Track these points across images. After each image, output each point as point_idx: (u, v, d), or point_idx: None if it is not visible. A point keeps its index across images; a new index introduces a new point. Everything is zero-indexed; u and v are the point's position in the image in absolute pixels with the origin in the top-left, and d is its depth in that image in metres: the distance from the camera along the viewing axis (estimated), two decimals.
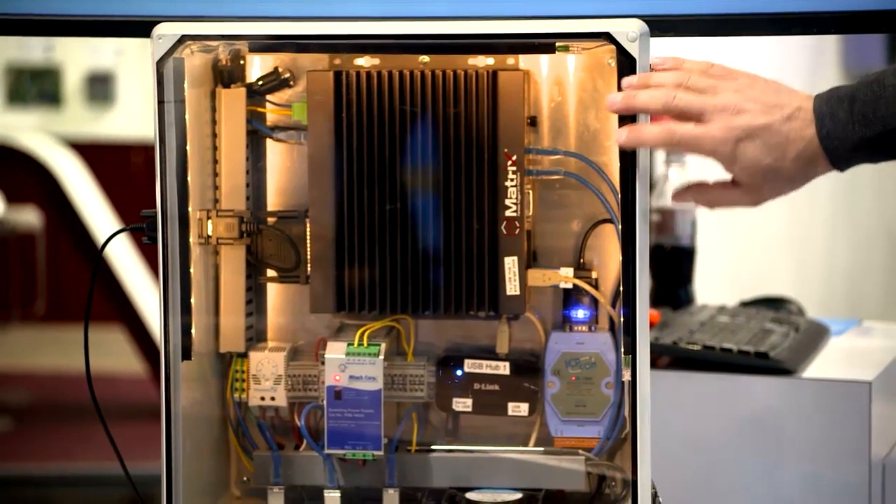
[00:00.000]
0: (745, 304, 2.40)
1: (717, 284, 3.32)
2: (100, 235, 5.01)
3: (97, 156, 6.57)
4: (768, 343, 2.03)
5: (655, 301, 2.30)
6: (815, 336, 2.16)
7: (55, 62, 7.24)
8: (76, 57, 7.22)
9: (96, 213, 5.19)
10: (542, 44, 1.47)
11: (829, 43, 5.46)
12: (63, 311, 7.06)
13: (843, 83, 1.39)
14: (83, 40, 6.96)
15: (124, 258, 5.02)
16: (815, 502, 1.88)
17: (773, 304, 2.39)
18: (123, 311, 4.94)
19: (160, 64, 1.47)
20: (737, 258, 5.52)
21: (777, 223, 5.78)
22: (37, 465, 4.78)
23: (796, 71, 5.76)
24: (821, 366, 1.99)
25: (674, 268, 2.33)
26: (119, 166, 7.10)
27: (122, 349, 5.25)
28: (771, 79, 1.42)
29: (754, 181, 1.41)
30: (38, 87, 7.23)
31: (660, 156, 2.18)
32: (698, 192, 1.46)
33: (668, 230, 2.34)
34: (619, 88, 1.43)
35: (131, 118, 7.24)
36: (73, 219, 5.14)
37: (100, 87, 7.23)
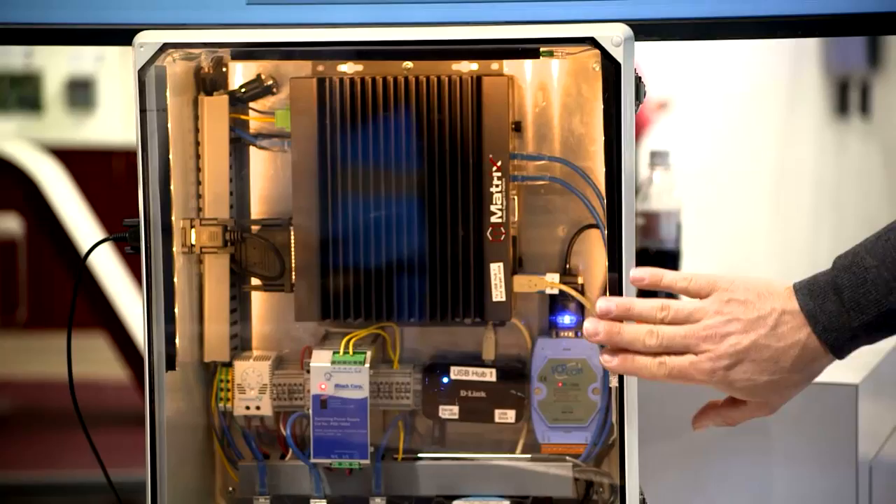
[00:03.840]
0: None
1: None
2: (82, 241, 4.99)
3: (78, 162, 6.55)
4: None
5: None
6: None
7: (35, 68, 7.21)
8: (56, 63, 7.19)
9: (78, 219, 5.17)
10: (526, 49, 1.47)
11: (809, 46, 5.46)
12: (45, 319, 7.03)
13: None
14: (63, 46, 6.93)
15: (106, 265, 5.00)
16: None
17: None
18: (106, 318, 4.92)
19: (142, 72, 1.46)
20: (721, 260, 5.52)
21: (762, 225, 5.78)
22: (20, 473, 4.76)
23: (777, 75, 5.77)
24: None
25: None
26: (100, 172, 7.08)
27: (105, 356, 5.23)
28: (751, 279, 1.35)
29: (756, 398, 1.36)
30: (18, 94, 7.20)
31: (644, 159, 2.18)
32: (715, 414, 1.41)
33: (653, 233, 2.33)
34: (605, 95, 1.41)
35: (112, 124, 7.22)
36: (54, 225, 5.12)
37: (80, 93, 7.21)
